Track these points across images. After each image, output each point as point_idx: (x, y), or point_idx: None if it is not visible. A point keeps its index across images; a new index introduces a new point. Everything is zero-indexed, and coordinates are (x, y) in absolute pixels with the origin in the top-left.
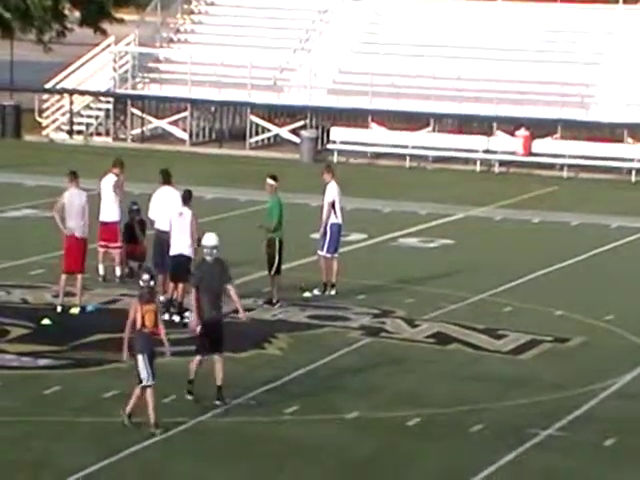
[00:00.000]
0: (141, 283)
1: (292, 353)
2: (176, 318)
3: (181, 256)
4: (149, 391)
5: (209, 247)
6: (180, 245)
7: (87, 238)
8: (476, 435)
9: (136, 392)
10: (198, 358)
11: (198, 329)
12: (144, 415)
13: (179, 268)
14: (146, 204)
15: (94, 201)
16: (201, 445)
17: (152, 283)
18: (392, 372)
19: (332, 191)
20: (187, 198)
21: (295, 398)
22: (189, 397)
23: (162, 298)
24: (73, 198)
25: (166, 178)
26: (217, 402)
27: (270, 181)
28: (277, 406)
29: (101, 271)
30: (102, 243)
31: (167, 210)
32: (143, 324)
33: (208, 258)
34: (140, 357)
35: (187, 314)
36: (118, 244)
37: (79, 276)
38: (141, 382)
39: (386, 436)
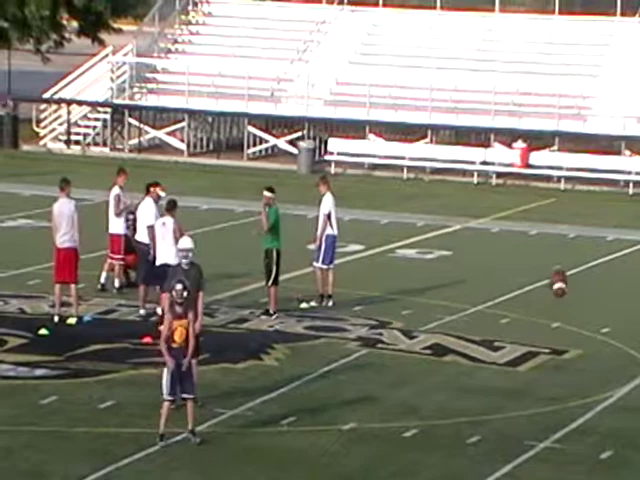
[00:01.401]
0: (173, 294)
1: (289, 364)
2: None
3: (167, 266)
4: (165, 404)
5: (185, 250)
6: (165, 255)
7: (78, 248)
8: (472, 447)
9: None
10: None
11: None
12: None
13: (165, 278)
14: None
15: (89, 211)
16: (198, 455)
17: (185, 294)
18: (389, 383)
19: (328, 203)
20: (171, 208)
21: (292, 409)
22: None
23: (142, 312)
24: (62, 207)
25: (146, 191)
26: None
27: (267, 193)
28: (274, 417)
29: (102, 279)
30: (109, 253)
31: (144, 222)
32: (172, 339)
33: (183, 261)
34: (165, 371)
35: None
36: (119, 256)
37: (73, 286)
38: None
39: (383, 447)
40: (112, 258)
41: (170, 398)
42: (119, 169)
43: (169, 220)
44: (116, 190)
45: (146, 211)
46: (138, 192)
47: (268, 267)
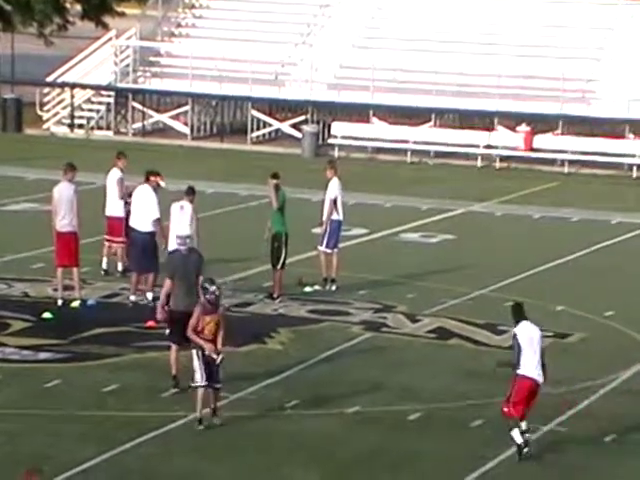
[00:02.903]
0: (208, 296)
1: (293, 348)
2: None
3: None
4: (200, 391)
5: (182, 237)
6: None
7: (77, 232)
8: (476, 430)
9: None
10: (174, 349)
11: (159, 316)
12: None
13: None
14: None
15: (93, 195)
16: (201, 440)
17: (218, 293)
18: (393, 367)
19: (334, 188)
20: (190, 193)
21: (296, 393)
22: (173, 390)
23: (133, 298)
24: (62, 191)
25: (145, 178)
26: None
27: (272, 180)
28: (277, 401)
29: (104, 265)
30: (107, 237)
31: (143, 210)
32: (203, 333)
33: (182, 248)
34: (195, 354)
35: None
36: (121, 239)
37: (75, 270)
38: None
39: (386, 431)
40: (113, 241)
41: (204, 384)
42: (119, 152)
43: (187, 205)
44: (118, 173)
45: (144, 199)
46: (138, 175)
47: (278, 251)
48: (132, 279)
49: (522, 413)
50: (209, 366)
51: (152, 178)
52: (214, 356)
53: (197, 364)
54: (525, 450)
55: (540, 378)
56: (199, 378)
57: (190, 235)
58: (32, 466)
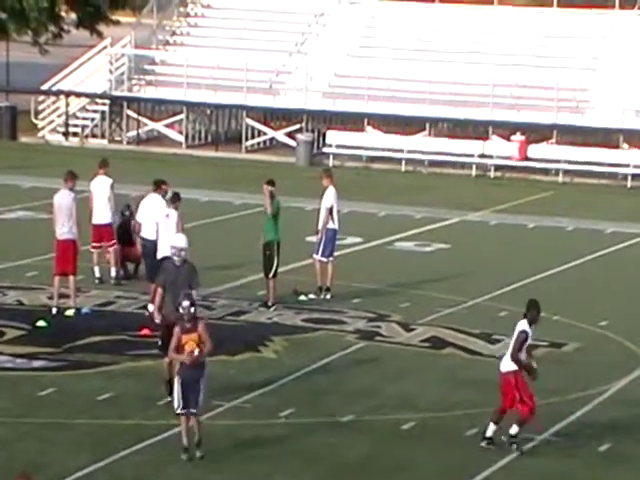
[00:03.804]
0: (181, 310)
1: (287, 356)
2: None
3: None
4: (182, 419)
5: (177, 249)
6: (166, 248)
7: (77, 239)
8: (470, 439)
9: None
10: (167, 359)
11: (157, 320)
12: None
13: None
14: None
15: (87, 203)
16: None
17: (192, 310)
18: (387, 376)
19: (330, 196)
20: (175, 200)
21: (290, 401)
22: (169, 398)
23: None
24: (61, 199)
25: (156, 187)
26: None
27: (267, 187)
28: (272, 409)
29: (97, 273)
30: (95, 245)
31: (152, 218)
32: (183, 349)
33: (175, 259)
34: (176, 381)
35: (149, 307)
36: (112, 242)
37: (71, 278)
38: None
39: (380, 439)
40: (106, 247)
41: (181, 411)
42: (103, 160)
43: (173, 213)
44: (109, 180)
45: (155, 208)
46: (132, 183)
47: (270, 259)
48: (151, 288)
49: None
50: (187, 389)
51: (163, 186)
52: (193, 352)
53: (176, 389)
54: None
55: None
56: (176, 405)
57: (185, 248)
58: (23, 472)
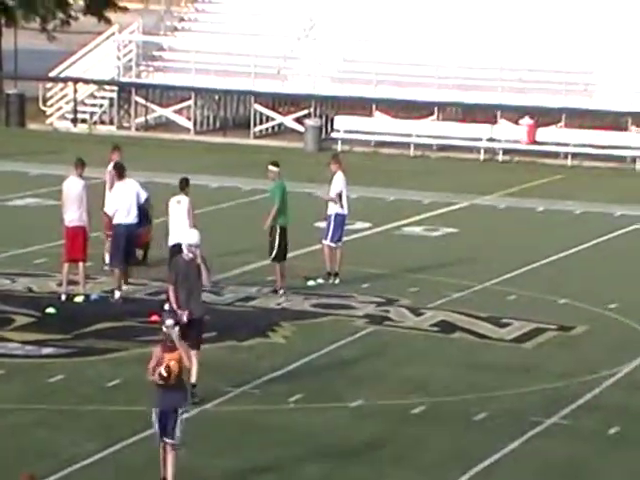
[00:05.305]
0: (164, 329)
1: (296, 341)
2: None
3: (180, 245)
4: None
5: (191, 245)
6: (178, 234)
7: (87, 227)
8: (480, 423)
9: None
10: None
11: (185, 318)
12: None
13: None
14: (151, 192)
15: (95, 190)
16: (204, 434)
17: (177, 329)
18: (396, 360)
19: (339, 182)
20: (184, 186)
21: (299, 386)
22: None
23: (118, 295)
24: (71, 186)
25: (121, 172)
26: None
27: (271, 167)
28: (281, 394)
29: (107, 259)
30: (108, 232)
31: (124, 203)
32: (160, 375)
33: (187, 255)
34: (153, 412)
35: (166, 306)
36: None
37: (81, 264)
38: None
39: (390, 424)
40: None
41: (160, 440)
42: (114, 146)
43: (184, 199)
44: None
45: (127, 192)
46: (142, 170)
47: (272, 244)
48: (116, 274)
49: None
50: (163, 417)
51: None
52: (162, 373)
53: (153, 419)
54: None
55: None
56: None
57: (198, 244)
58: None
